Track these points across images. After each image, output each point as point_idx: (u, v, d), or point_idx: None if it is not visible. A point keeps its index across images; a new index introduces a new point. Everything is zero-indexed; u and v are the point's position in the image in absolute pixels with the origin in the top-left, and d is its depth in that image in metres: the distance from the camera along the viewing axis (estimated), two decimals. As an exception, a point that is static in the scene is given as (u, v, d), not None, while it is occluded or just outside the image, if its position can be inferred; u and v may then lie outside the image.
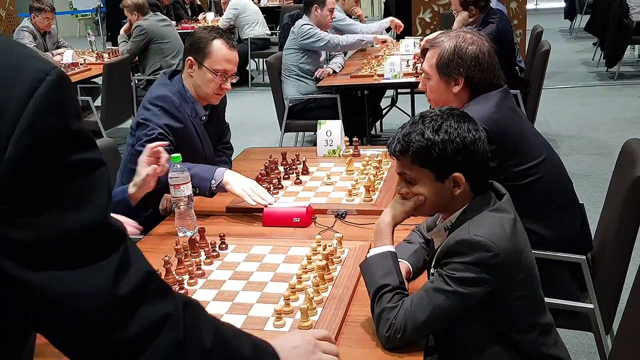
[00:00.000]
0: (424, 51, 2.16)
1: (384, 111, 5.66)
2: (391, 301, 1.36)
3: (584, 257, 1.98)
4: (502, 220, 1.36)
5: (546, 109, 5.68)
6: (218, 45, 2.36)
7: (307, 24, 4.64)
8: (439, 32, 5.43)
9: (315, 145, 2.82)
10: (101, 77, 5.25)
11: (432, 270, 1.43)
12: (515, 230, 1.37)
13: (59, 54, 6.01)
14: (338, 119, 4.25)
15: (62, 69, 0.72)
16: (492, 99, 1.99)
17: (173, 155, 1.99)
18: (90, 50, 6.80)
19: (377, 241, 1.48)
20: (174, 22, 7.08)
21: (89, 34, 6.96)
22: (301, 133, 5.52)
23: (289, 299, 1.52)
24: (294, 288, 1.58)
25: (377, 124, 5.70)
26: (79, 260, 0.72)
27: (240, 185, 2.12)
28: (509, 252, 1.32)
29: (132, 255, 0.79)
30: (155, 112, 2.29)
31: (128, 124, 5.79)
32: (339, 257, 1.75)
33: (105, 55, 6.27)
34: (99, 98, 5.42)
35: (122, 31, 6.16)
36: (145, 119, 2.28)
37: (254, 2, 8.62)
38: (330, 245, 1.75)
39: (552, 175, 2.04)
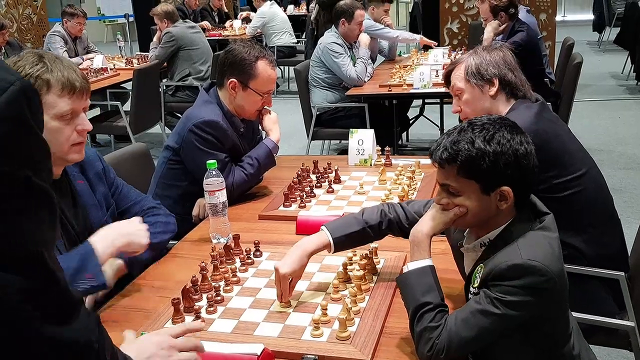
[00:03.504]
0: (447, 75, 2.15)
1: (411, 121, 5.64)
2: (433, 320, 1.31)
3: (622, 273, 1.94)
4: (550, 240, 1.32)
5: (575, 121, 5.61)
6: (263, 67, 2.34)
7: (338, 44, 4.59)
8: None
9: (341, 153, 2.82)
10: (130, 82, 5.31)
11: (473, 290, 1.37)
12: (560, 250, 1.33)
13: (89, 59, 6.10)
14: (366, 128, 4.27)
15: (31, 81, 0.70)
16: (533, 109, 1.97)
17: (209, 162, 2.00)
18: (120, 55, 6.88)
19: (415, 254, 1.42)
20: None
21: (118, 40, 7.04)
22: (327, 141, 5.52)
23: (326, 309, 1.50)
24: (331, 298, 1.57)
25: (404, 133, 5.68)
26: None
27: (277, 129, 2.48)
28: (560, 274, 1.28)
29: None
30: (211, 141, 2.30)
31: (156, 129, 5.86)
32: (375, 267, 1.73)
33: (135, 61, 6.34)
34: (127, 103, 5.48)
35: (155, 39, 6.22)
36: (205, 149, 2.28)
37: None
38: (367, 256, 1.73)
39: (592, 189, 2.01)
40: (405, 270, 1.42)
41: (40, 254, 0.70)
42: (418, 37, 5.76)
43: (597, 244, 2.00)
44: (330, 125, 4.66)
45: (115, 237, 1.66)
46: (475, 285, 1.36)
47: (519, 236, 1.34)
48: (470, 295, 1.40)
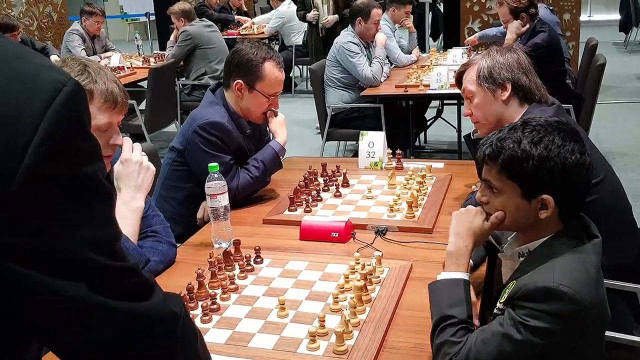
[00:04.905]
0: (459, 77, 2.07)
1: (429, 122, 5.54)
2: (454, 335, 1.25)
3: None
4: (589, 266, 1.23)
5: (599, 124, 5.46)
6: (270, 68, 2.28)
7: (354, 43, 4.53)
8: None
9: (355, 155, 2.75)
10: (146, 81, 5.28)
11: (499, 305, 1.29)
12: (601, 278, 1.24)
13: (106, 57, 6.11)
14: (381, 129, 4.19)
15: (77, 80, 0.69)
16: (547, 113, 1.89)
17: (210, 164, 1.94)
18: (138, 54, 6.88)
19: (452, 264, 1.35)
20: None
21: (136, 38, 7.04)
22: (342, 142, 5.44)
23: (324, 321, 1.44)
24: (330, 309, 1.50)
25: (422, 135, 5.59)
26: (86, 272, 0.69)
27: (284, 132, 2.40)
28: (594, 303, 1.19)
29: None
30: (215, 142, 2.24)
31: (171, 128, 5.83)
32: (378, 277, 1.66)
33: (152, 59, 6.33)
34: (143, 102, 5.46)
35: (172, 37, 6.21)
36: (209, 151, 2.23)
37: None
38: (369, 264, 1.66)
39: (610, 197, 1.91)
40: (438, 277, 1.38)
41: (109, 250, 0.71)
42: (414, 55, 5.58)
43: (615, 254, 1.89)
44: (345, 125, 4.59)
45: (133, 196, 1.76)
46: (502, 300, 1.27)
47: (558, 253, 1.25)
48: (495, 310, 1.32)
